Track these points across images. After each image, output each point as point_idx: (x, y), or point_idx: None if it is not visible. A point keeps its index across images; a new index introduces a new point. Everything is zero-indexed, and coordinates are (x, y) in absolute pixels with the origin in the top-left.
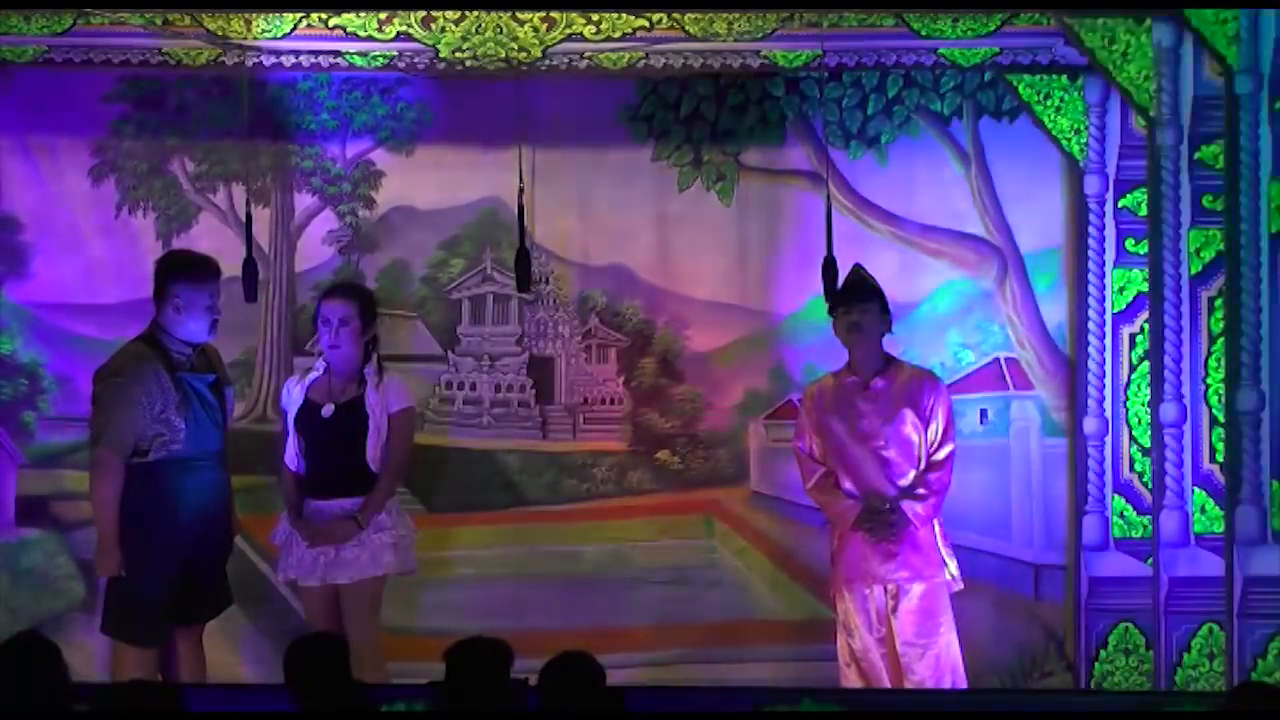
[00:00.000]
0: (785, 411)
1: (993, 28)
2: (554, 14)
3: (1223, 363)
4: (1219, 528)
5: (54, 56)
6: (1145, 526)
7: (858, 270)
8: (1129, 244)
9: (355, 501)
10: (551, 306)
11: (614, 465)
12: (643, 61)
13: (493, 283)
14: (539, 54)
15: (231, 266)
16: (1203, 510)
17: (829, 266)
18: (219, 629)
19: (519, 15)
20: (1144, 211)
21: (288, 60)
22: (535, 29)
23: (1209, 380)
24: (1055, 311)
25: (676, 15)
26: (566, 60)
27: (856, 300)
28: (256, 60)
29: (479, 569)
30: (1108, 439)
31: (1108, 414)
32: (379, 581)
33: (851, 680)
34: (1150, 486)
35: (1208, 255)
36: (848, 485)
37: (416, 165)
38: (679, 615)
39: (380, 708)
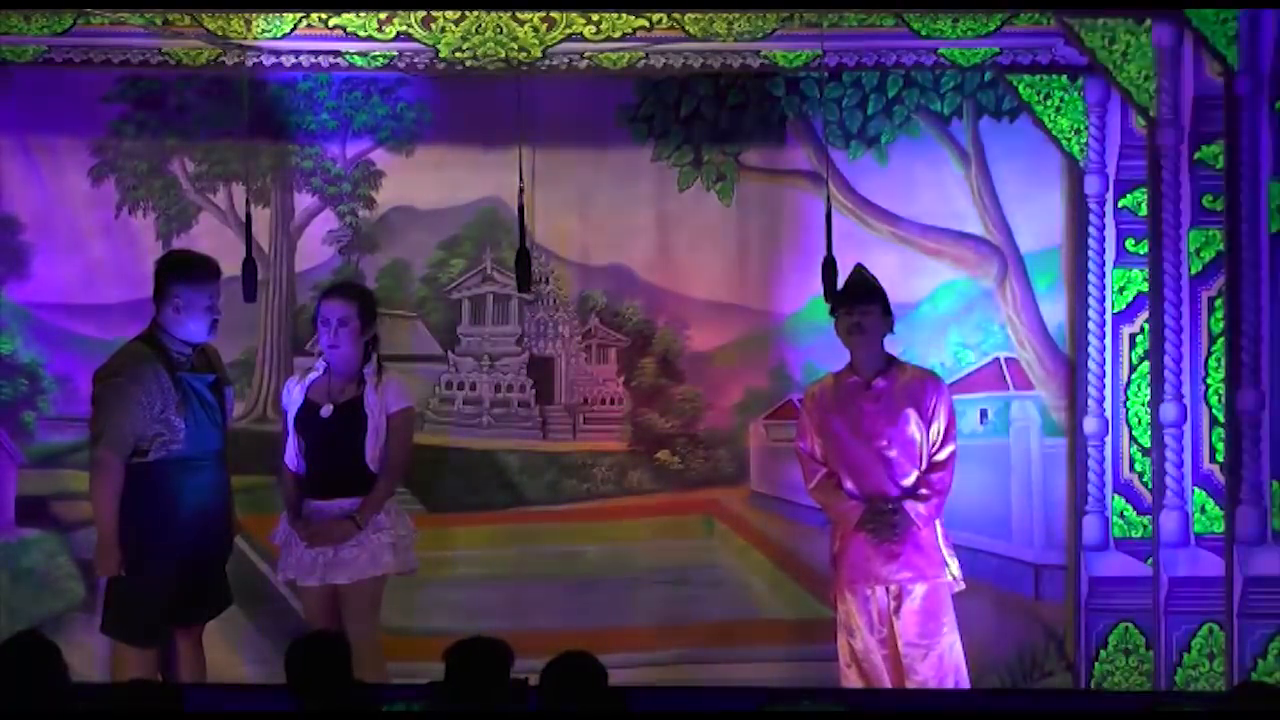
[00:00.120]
0: (785, 411)
1: (993, 28)
2: (554, 14)
3: (1223, 363)
4: (1219, 528)
5: (54, 56)
6: (1145, 526)
7: (859, 271)
8: (1129, 244)
9: (354, 502)
10: (551, 306)
11: (614, 465)
12: (643, 61)
13: (493, 283)
14: (539, 54)
15: (231, 266)
16: (1203, 510)
17: (829, 266)
18: (219, 629)
19: (519, 15)
20: (1144, 211)
21: (288, 60)
22: (535, 29)
23: (1209, 380)
24: (1055, 311)
25: (676, 15)
26: (566, 60)
27: (858, 301)
28: (256, 60)
29: (479, 569)
30: (1108, 439)
31: (1108, 414)
32: (378, 581)
33: (852, 681)
34: (1150, 486)
35: (1208, 255)
36: (850, 486)
37: (416, 165)
38: (679, 615)
39: (380, 708)
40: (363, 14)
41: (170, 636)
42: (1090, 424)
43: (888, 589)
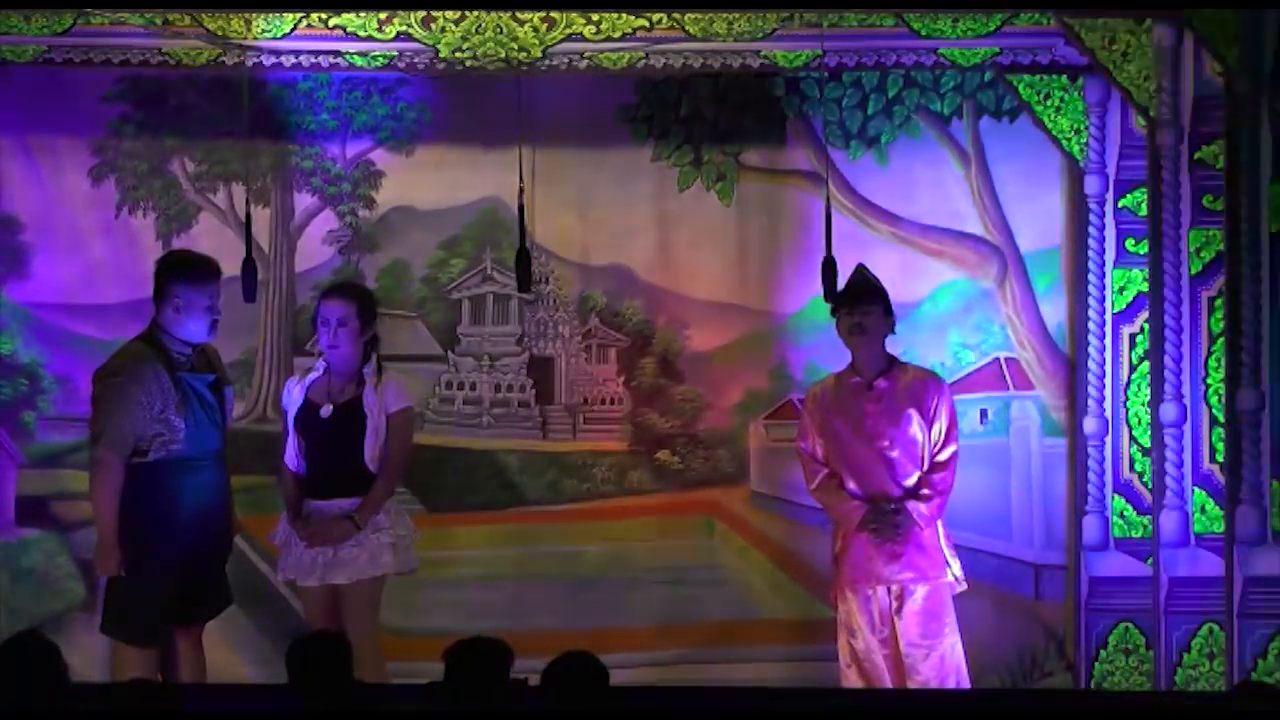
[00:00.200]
0: (785, 411)
1: (993, 28)
2: (554, 14)
3: (1223, 363)
4: (1219, 528)
5: (54, 56)
6: (1145, 526)
7: (861, 271)
8: (1129, 244)
9: (354, 502)
10: (551, 306)
11: (614, 465)
12: (643, 61)
13: (493, 283)
14: (539, 54)
15: (231, 266)
16: (1203, 510)
17: (829, 266)
18: (219, 629)
19: (519, 15)
20: (1144, 211)
21: (288, 60)
22: (535, 29)
23: (1209, 380)
24: (1055, 311)
25: (676, 15)
26: (566, 60)
27: (859, 301)
28: (256, 60)
29: (479, 569)
30: (1108, 439)
31: (1108, 414)
32: (378, 581)
33: (852, 681)
34: (1150, 486)
35: (1208, 255)
36: (852, 486)
37: (416, 165)
38: (679, 615)
39: (381, 707)
40: (363, 14)
41: (170, 636)
42: (1090, 424)
43: (889, 589)
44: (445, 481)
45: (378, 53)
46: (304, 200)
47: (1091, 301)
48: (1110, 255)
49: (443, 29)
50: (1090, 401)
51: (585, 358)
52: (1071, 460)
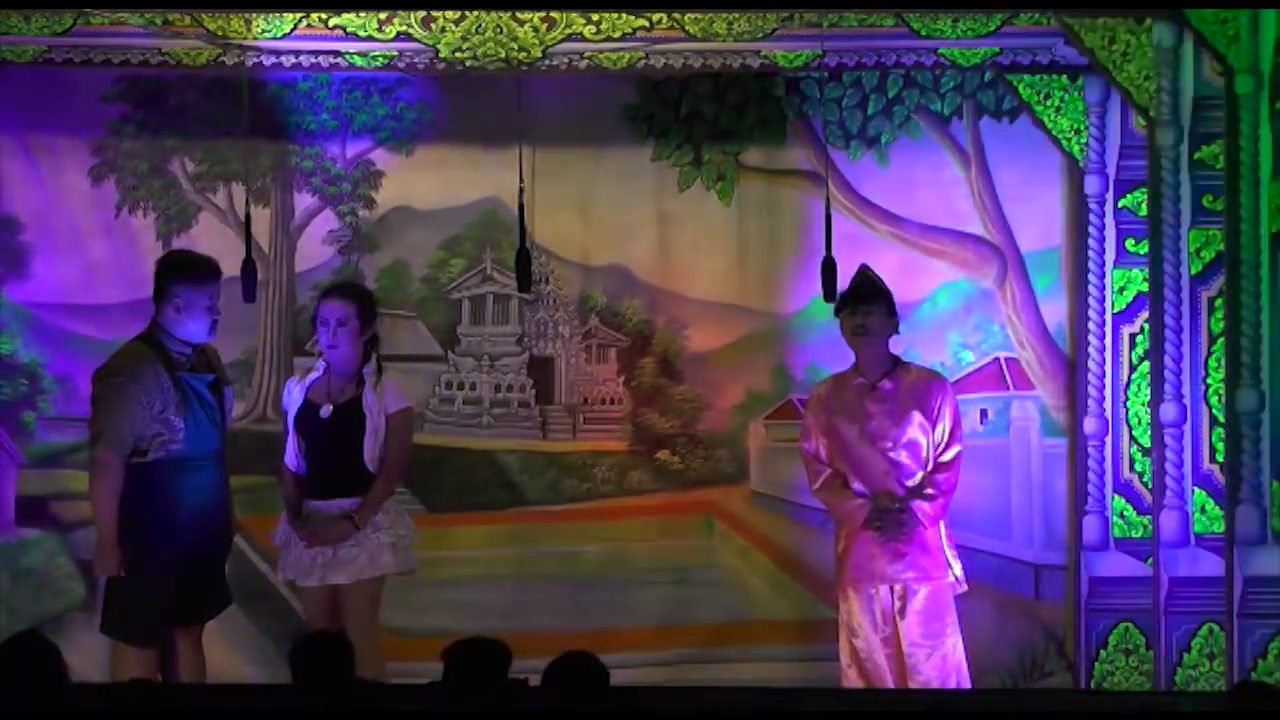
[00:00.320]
0: (785, 412)
1: (993, 28)
2: (554, 14)
3: (1223, 363)
4: (1219, 528)
5: (54, 56)
6: (1145, 526)
7: (865, 271)
8: (1129, 244)
9: (354, 502)
10: (551, 306)
11: (614, 465)
12: (643, 61)
13: (493, 283)
14: (539, 54)
15: (231, 266)
16: (1203, 510)
17: (828, 266)
18: (219, 629)
19: (519, 15)
20: (1144, 211)
21: (288, 60)
22: (535, 29)
23: (1209, 380)
24: (1055, 311)
25: (676, 15)
26: (566, 60)
27: (862, 302)
28: (256, 60)
29: (479, 569)
30: (1108, 439)
31: (1108, 414)
32: (378, 582)
33: (852, 680)
34: (1150, 486)
35: (1208, 255)
36: (856, 486)
37: (416, 165)
38: (679, 615)
39: (382, 707)
40: (363, 14)
41: (170, 636)
42: (1090, 424)
43: (892, 589)
44: (445, 481)
45: (378, 53)
46: (304, 200)
47: (1091, 301)
48: (1110, 255)
49: (443, 29)
50: (1090, 401)
51: (585, 358)
52: (1071, 460)
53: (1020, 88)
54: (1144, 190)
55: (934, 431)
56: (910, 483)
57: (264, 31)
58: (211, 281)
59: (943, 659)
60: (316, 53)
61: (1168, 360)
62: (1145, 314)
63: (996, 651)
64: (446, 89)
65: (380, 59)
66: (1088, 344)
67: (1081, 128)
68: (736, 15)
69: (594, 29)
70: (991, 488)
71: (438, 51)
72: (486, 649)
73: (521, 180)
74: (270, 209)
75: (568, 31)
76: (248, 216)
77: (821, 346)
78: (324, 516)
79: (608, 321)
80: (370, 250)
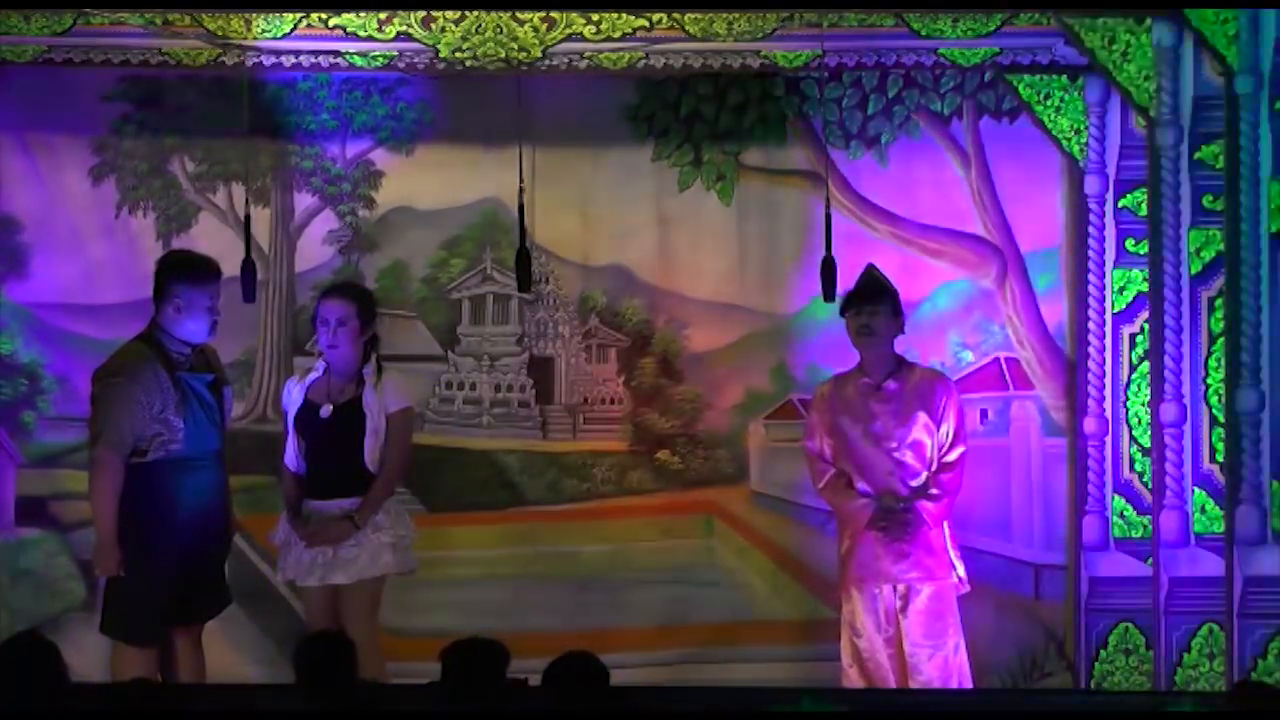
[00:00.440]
0: (785, 411)
1: (993, 28)
2: (554, 14)
3: (1223, 363)
4: (1219, 528)
5: (54, 56)
6: (1145, 526)
7: (870, 271)
8: (1129, 244)
9: (354, 502)
10: (551, 306)
11: (614, 465)
12: (643, 61)
13: (493, 283)
14: (539, 54)
15: (231, 266)
16: (1203, 510)
17: (828, 266)
18: (219, 629)
19: (519, 15)
20: (1144, 211)
21: (288, 60)
22: (535, 29)
23: (1209, 380)
24: (1055, 311)
25: (676, 15)
26: (566, 60)
27: (867, 302)
28: (256, 60)
29: (479, 569)
30: (1108, 439)
31: (1108, 414)
32: (378, 582)
33: (853, 680)
34: (1150, 486)
35: (1208, 255)
36: (860, 486)
37: (416, 165)
38: (679, 615)
39: (383, 707)
40: (363, 14)
41: (170, 636)
42: (1090, 424)
43: (895, 588)
44: (445, 481)
45: (378, 53)
46: (304, 200)
47: (1091, 301)
48: (1110, 255)
49: (443, 29)
50: (1090, 401)
51: (585, 358)
52: (1071, 460)
53: (1020, 88)
54: (1144, 190)
55: (939, 432)
56: (915, 483)
57: (264, 31)
58: (211, 282)
59: (945, 660)
60: (316, 53)
61: (1168, 360)
62: (1145, 314)
63: (996, 651)
64: (446, 89)
65: (380, 59)
66: (1088, 344)
67: (1081, 128)
68: (736, 15)
69: (594, 29)
70: (991, 488)
71: (438, 51)
72: (484, 649)
73: (521, 180)
74: (270, 209)
75: (568, 31)
76: (247, 216)
77: (822, 346)
78: (324, 516)
79: (608, 321)
80: (370, 250)
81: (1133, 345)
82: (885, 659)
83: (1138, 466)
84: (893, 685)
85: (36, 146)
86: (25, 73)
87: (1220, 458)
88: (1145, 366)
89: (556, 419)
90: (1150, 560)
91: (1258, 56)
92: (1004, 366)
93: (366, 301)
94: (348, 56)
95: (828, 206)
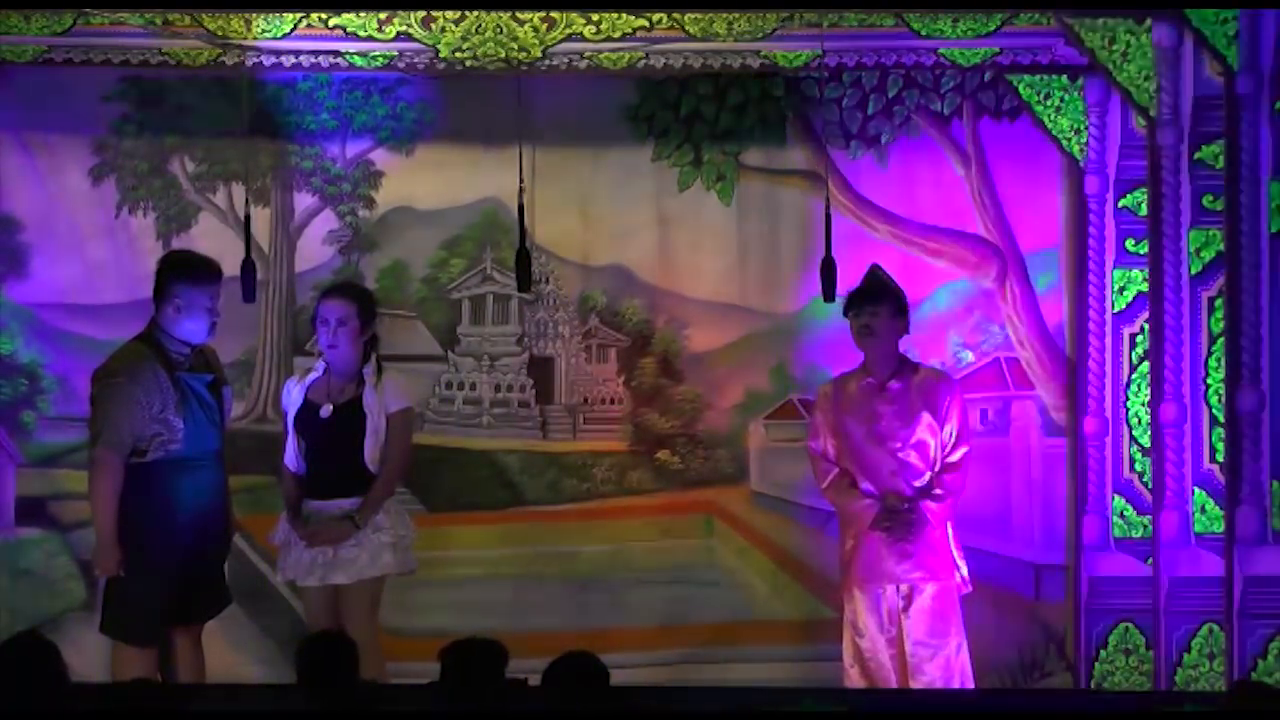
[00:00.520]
0: (785, 411)
1: (993, 28)
2: (554, 14)
3: (1223, 363)
4: (1219, 528)
5: (54, 56)
6: (1145, 526)
7: (874, 271)
8: (1129, 244)
9: (354, 502)
10: (551, 306)
11: (614, 465)
12: (643, 61)
13: (493, 283)
14: (539, 54)
15: (231, 266)
16: (1203, 510)
17: (828, 266)
18: (219, 629)
19: (519, 15)
20: (1144, 211)
21: (288, 60)
22: (535, 29)
23: (1209, 380)
24: (1055, 311)
25: (676, 15)
26: (566, 60)
27: (869, 302)
28: (256, 60)
29: (479, 569)
30: (1108, 439)
31: (1108, 414)
32: (378, 582)
33: (854, 680)
34: (1150, 486)
35: (1208, 255)
36: (864, 486)
37: (416, 165)
38: (679, 615)
39: (380, 708)
40: (363, 14)
41: (169, 636)
42: (1090, 424)
43: (898, 588)
44: (445, 481)
45: (378, 53)
46: (304, 200)
47: (1091, 301)
48: (1110, 255)
49: (443, 29)
50: (1090, 401)
51: (585, 358)
52: (1071, 460)
53: (1020, 88)
54: (1144, 190)
55: (942, 432)
56: (918, 483)
57: (264, 31)
58: (211, 282)
59: (947, 660)
60: (316, 53)
61: (1168, 360)
62: (1145, 314)
63: (996, 651)
64: (446, 89)
65: (380, 59)
66: (1088, 344)
67: (1081, 128)
68: (736, 15)
69: (594, 29)
70: (991, 488)
71: (438, 51)
72: (483, 649)
73: (521, 180)
74: (270, 209)
75: (568, 31)
76: (247, 216)
77: (821, 346)
78: (324, 516)
79: (608, 321)
80: (370, 250)
81: (1133, 345)
82: (887, 659)
83: (1138, 466)
84: (894, 685)
85: (36, 146)
86: (25, 73)
87: (1220, 458)
88: (1145, 366)
89: (556, 419)
90: (1150, 560)
91: (1258, 56)
92: (1004, 366)
93: (366, 301)
94: (348, 56)
95: (828, 206)
